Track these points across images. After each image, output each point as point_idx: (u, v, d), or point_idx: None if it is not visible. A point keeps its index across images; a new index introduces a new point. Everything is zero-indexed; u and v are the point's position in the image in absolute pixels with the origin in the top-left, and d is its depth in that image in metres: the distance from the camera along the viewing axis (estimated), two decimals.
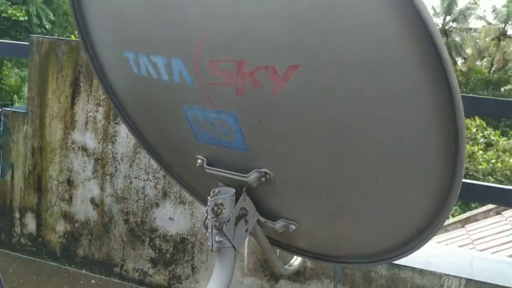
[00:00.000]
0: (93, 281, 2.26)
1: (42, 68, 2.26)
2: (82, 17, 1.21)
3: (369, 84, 0.80)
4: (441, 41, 0.69)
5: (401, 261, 1.74)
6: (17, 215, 2.41)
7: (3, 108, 2.38)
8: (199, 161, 1.14)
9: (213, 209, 1.04)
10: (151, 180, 2.16)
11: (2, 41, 2.65)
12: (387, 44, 0.75)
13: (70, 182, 2.29)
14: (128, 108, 1.36)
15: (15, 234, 2.43)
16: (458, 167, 0.80)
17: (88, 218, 2.28)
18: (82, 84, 2.20)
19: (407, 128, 0.82)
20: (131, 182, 2.19)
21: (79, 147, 2.24)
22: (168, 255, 2.18)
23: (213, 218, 1.04)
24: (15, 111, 2.35)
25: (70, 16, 19.14)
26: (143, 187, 2.17)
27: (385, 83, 0.79)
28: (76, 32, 1.25)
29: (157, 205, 2.17)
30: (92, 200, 2.26)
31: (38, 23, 19.19)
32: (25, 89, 14.00)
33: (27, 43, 2.31)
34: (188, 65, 0.96)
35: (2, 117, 2.37)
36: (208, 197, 1.06)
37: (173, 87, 1.02)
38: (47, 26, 19.72)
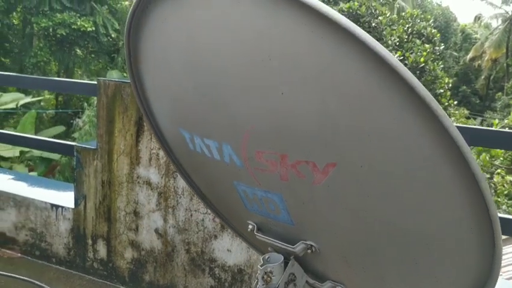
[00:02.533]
0: None
1: (109, 108, 2.44)
2: (142, 91, 1.33)
3: (403, 181, 0.84)
4: (472, 160, 0.73)
5: None
6: (90, 241, 2.63)
7: (76, 144, 2.60)
8: (250, 226, 1.23)
9: (263, 277, 1.13)
10: (209, 214, 2.29)
11: (73, 80, 2.88)
12: (416, 147, 0.80)
13: (136, 213, 2.47)
14: (184, 166, 1.47)
15: (88, 259, 2.65)
16: (496, 250, 0.83)
17: (153, 247, 2.45)
18: (144, 124, 2.37)
19: (441, 220, 0.86)
20: (191, 215, 2.33)
21: (143, 182, 2.41)
22: (227, 284, 2.29)
23: (263, 285, 1.12)
24: (86, 147, 2.56)
25: None
26: (203, 219, 2.30)
27: (417, 179, 0.83)
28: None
29: (216, 237, 2.29)
30: (156, 230, 2.43)
31: (105, 32, 20.22)
32: (94, 98, 14.85)
33: (95, 83, 2.52)
34: (237, 152, 1.05)
35: (75, 152, 2.60)
36: (258, 266, 1.14)
37: (224, 166, 1.12)
38: (112, 35, 20.77)
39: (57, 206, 2.71)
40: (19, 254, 2.87)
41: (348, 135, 0.85)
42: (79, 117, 16.13)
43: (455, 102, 13.08)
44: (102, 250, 2.60)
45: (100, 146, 2.51)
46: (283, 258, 1.16)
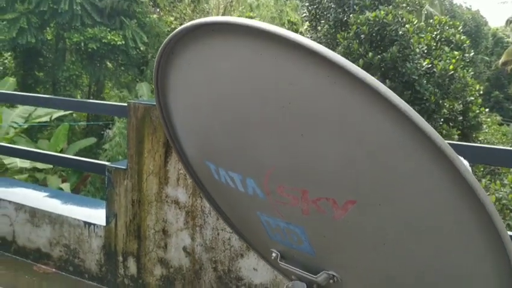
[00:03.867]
0: None
1: (139, 130, 2.53)
2: (169, 120, 1.39)
3: (420, 222, 0.87)
4: (492, 207, 0.76)
5: None
6: (121, 258, 2.71)
7: (108, 164, 2.69)
8: (273, 254, 1.27)
9: None
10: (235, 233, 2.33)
11: (104, 102, 2.99)
12: (435, 192, 0.82)
13: (164, 232, 2.53)
14: (209, 190, 1.52)
15: (119, 275, 2.73)
16: None
17: (181, 264, 2.51)
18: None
19: (459, 260, 0.88)
20: (218, 234, 2.38)
21: (172, 201, 2.48)
22: None
23: None
24: (117, 167, 2.65)
25: (161, 37, 20.44)
26: (229, 238, 2.35)
27: (435, 221, 0.86)
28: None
29: (242, 256, 2.33)
30: (184, 249, 2.49)
31: (134, 45, 20.67)
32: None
33: (126, 104, 2.61)
34: (260, 186, 1.09)
35: (106, 172, 2.69)
36: None
37: (248, 197, 1.16)
38: (141, 48, 21.21)
39: (89, 224, 2.81)
40: (54, 269, 2.98)
41: (369, 178, 0.88)
42: (110, 129, 16.50)
43: (487, 110, 12.75)
44: (132, 267, 2.68)
45: (130, 166, 2.60)
46: (306, 286, 1.19)
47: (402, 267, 0.98)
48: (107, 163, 2.92)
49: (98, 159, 15.50)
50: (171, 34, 1.05)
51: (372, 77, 0.78)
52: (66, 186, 13.96)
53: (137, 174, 2.58)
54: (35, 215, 3.02)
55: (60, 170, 15.30)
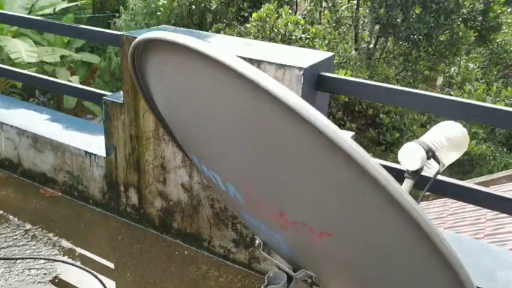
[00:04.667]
0: (186, 252, 2.62)
1: None
2: (154, 105, 1.32)
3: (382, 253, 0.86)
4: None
5: None
6: (122, 188, 2.79)
7: (104, 98, 2.64)
8: (257, 241, 1.29)
9: None
10: None
11: (97, 29, 2.84)
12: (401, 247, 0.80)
13: (163, 167, 2.57)
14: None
15: (122, 204, 2.84)
16: None
17: (180, 199, 2.58)
18: None
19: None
20: None
21: (169, 139, 2.47)
22: (248, 239, 2.43)
23: None
24: (113, 101, 2.61)
25: None
26: None
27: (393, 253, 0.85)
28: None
29: None
30: (182, 185, 2.54)
31: None
32: (130, 1, 14.56)
33: (120, 33, 2.49)
34: (241, 193, 1.06)
35: (103, 104, 2.65)
36: (262, 286, 1.21)
37: (230, 196, 1.14)
38: None
39: (90, 154, 2.85)
40: (59, 193, 3.10)
41: (340, 216, 0.85)
42: (118, 18, 15.94)
43: (509, 10, 12.03)
44: (134, 197, 2.77)
45: (126, 102, 2.55)
46: (286, 277, 1.23)
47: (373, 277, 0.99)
48: (104, 92, 2.87)
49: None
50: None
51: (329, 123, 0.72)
52: (75, 79, 13.97)
53: (134, 110, 2.54)
54: (37, 141, 3.05)
55: (69, 62, 15.18)
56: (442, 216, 5.75)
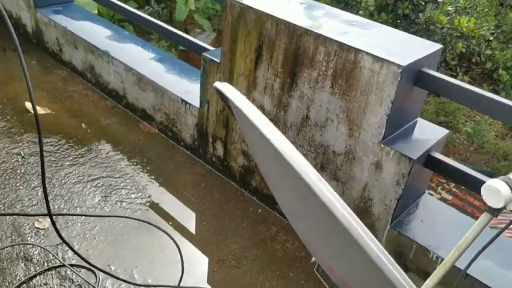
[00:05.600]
0: (259, 211, 2.78)
1: (233, 29, 2.46)
2: None
3: None
4: None
5: None
6: (210, 139, 2.95)
7: (203, 54, 2.73)
8: (313, 259, 1.35)
9: None
10: (312, 152, 2.39)
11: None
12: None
13: None
14: None
15: (208, 153, 3.02)
16: None
17: None
18: (264, 54, 2.37)
19: None
20: (296, 148, 2.45)
21: (257, 106, 2.53)
22: None
23: None
24: (212, 59, 2.68)
25: None
26: (306, 155, 2.42)
27: None
28: None
29: None
30: None
31: None
32: None
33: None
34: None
35: (202, 60, 2.75)
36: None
37: None
38: None
39: (186, 102, 3.01)
40: (156, 130, 3.35)
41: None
42: None
43: None
44: (220, 149, 2.92)
45: (223, 62, 2.61)
46: None
47: None
48: (206, 46, 2.95)
49: None
50: None
51: None
52: None
53: (229, 72, 2.60)
54: (141, 79, 3.27)
55: None
56: None
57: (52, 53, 4.10)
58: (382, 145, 2.08)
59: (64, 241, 2.05)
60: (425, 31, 9.65)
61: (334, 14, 2.35)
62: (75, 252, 2.12)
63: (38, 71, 4.00)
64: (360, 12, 9.41)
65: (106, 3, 3.83)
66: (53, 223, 1.97)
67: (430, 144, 2.12)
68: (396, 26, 9.24)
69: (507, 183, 1.48)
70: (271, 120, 2.49)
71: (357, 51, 2.00)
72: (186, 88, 3.13)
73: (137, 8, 13.55)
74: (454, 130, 11.55)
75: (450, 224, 2.27)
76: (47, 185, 2.77)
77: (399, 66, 1.89)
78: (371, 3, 9.03)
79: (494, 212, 1.55)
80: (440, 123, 11.41)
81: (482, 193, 1.56)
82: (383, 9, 8.93)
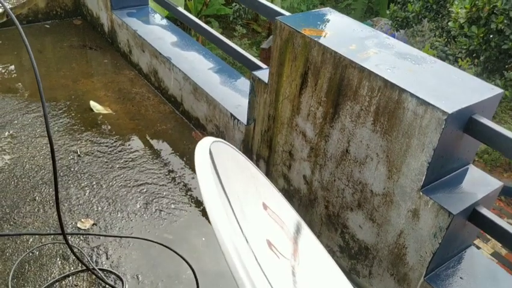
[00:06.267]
0: None
1: (281, 51, 2.40)
2: None
3: None
4: None
5: None
6: (255, 157, 2.92)
7: (253, 72, 2.69)
8: None
9: None
10: (350, 188, 2.27)
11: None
12: None
13: (291, 154, 2.59)
14: None
15: None
16: None
17: (300, 188, 2.61)
18: (309, 80, 2.29)
19: None
20: (334, 180, 2.34)
21: (300, 131, 2.46)
22: (353, 251, 2.38)
23: None
24: (260, 78, 2.64)
25: None
26: (343, 189, 2.31)
27: None
28: None
29: (351, 210, 2.30)
30: (304, 177, 2.55)
31: None
32: None
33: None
34: None
35: (250, 79, 2.71)
36: None
37: None
38: None
39: (235, 117, 3.00)
40: None
41: None
42: None
43: None
44: (263, 168, 2.88)
45: (270, 84, 2.56)
46: None
47: None
48: (258, 63, 2.91)
49: None
50: None
51: None
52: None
53: (275, 94, 2.55)
54: (196, 90, 3.32)
55: None
56: None
57: (123, 53, 4.29)
58: (421, 193, 1.92)
59: (73, 253, 2.10)
60: None
61: (387, 45, 2.20)
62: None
63: (108, 70, 4.20)
64: (450, 23, 8.84)
65: (170, 8, 3.92)
66: (66, 241, 2.00)
67: (477, 198, 1.92)
68: (487, 42, 8.57)
69: None
70: (313, 148, 2.41)
71: (401, 90, 1.86)
72: (237, 102, 3.12)
73: (224, 5, 13.89)
74: None
75: (494, 284, 2.05)
76: (95, 186, 2.90)
77: (444, 112, 1.72)
78: (462, 15, 8.42)
79: None
80: None
81: None
82: (474, 22, 8.30)
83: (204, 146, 1.07)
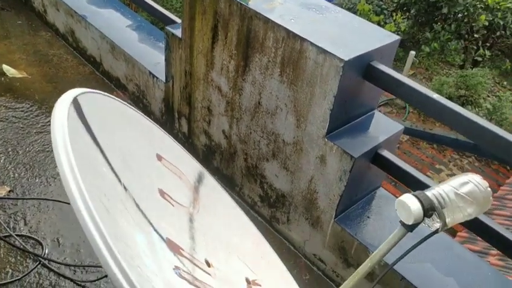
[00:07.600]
0: None
1: (192, 5, 2.36)
2: None
3: None
4: None
5: None
6: (176, 115, 2.91)
7: (167, 27, 2.64)
8: None
9: None
10: (264, 139, 2.32)
11: None
12: None
13: (209, 110, 2.60)
14: None
15: (175, 128, 2.98)
16: None
17: (220, 143, 2.64)
18: (219, 33, 2.27)
19: None
20: (250, 133, 2.39)
21: (215, 86, 2.46)
22: (272, 200, 2.47)
23: None
24: (174, 33, 2.59)
25: None
26: (259, 141, 2.36)
27: None
28: None
29: (267, 160, 2.37)
30: (223, 132, 2.57)
31: None
32: None
33: None
34: None
35: (164, 34, 2.66)
36: None
37: None
38: None
39: (153, 75, 2.95)
40: (129, 100, 3.32)
41: None
42: None
43: None
44: (184, 126, 2.88)
45: (184, 39, 2.53)
46: None
47: None
48: (175, 19, 2.85)
49: None
50: None
51: None
52: None
53: (190, 49, 2.52)
54: (114, 48, 3.21)
55: None
56: None
57: (38, 13, 4.06)
58: (326, 139, 2.00)
59: None
60: (448, 1, 9.12)
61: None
62: None
63: (23, 32, 3.97)
64: None
65: None
66: None
67: (378, 141, 2.03)
68: None
69: (420, 200, 1.40)
70: (229, 102, 2.42)
71: (303, 40, 1.89)
72: (156, 60, 3.06)
73: None
74: (474, 105, 11.21)
75: (397, 221, 2.20)
76: (11, 153, 2.80)
77: (341, 60, 1.78)
78: None
79: (408, 227, 1.49)
80: (460, 97, 11.05)
81: (395, 207, 1.49)
82: None
83: (66, 98, 1.05)
